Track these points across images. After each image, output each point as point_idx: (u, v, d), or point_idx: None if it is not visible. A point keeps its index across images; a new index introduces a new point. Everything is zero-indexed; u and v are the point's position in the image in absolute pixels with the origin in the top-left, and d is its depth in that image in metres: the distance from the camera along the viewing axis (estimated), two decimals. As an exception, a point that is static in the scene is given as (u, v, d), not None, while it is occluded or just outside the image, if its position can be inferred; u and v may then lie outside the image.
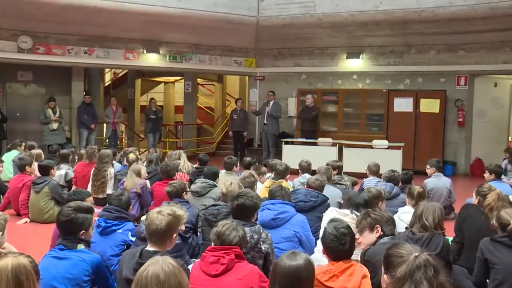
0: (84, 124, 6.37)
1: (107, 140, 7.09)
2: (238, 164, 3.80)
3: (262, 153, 7.00)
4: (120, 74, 9.51)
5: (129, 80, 8.93)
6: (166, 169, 3.31)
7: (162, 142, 8.03)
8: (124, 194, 2.38)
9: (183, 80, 8.53)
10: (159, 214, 1.54)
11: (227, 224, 1.60)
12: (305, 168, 3.66)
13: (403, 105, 6.34)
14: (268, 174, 3.55)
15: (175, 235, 1.54)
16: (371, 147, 5.87)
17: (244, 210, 1.88)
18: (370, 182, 3.41)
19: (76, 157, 4.34)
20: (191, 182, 3.37)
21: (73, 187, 3.67)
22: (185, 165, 3.84)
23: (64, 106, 6.45)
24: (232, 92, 9.85)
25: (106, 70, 8.65)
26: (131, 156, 3.94)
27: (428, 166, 3.68)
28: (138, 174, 3.34)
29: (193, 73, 8.07)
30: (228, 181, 2.66)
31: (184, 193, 2.58)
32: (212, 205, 2.43)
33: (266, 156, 6.87)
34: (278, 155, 6.39)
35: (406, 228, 1.97)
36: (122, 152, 4.61)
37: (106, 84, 8.88)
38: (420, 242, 1.78)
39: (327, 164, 3.56)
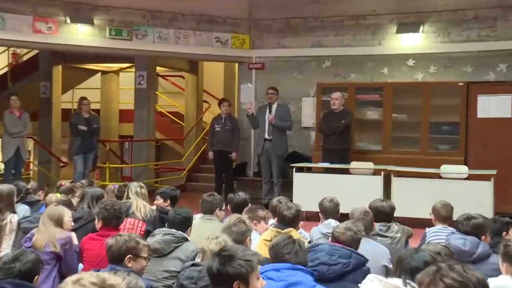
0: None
1: (4, 166, 7.02)
2: (224, 206, 3.88)
3: (261, 186, 7.17)
4: (26, 57, 9.41)
5: (41, 67, 8.71)
6: (107, 216, 3.18)
7: (98, 169, 8.20)
8: (26, 257, 2.33)
9: (133, 70, 8.61)
10: (77, 285, 1.48)
11: None
12: (330, 210, 3.65)
13: (493, 107, 6.35)
14: (271, 221, 3.58)
15: None
16: (439, 176, 5.82)
17: (216, 280, 1.96)
18: (438, 234, 3.35)
19: None
20: (148, 233, 3.32)
21: None
22: (140, 206, 3.76)
23: None
24: (213, 90, 10.12)
25: (0, 49, 8.49)
26: (54, 196, 3.82)
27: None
28: (58, 222, 3.14)
29: (150, 57, 8.23)
30: (208, 233, 2.68)
31: (129, 257, 2.52)
32: (192, 265, 2.48)
33: (268, 192, 7.04)
34: (287, 189, 6.54)
35: None
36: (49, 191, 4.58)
37: (0, 73, 8.83)
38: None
39: (367, 207, 3.52)
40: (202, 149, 9.26)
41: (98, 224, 3.28)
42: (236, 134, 7.58)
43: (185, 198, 6.44)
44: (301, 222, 3.46)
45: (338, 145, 6.69)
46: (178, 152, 9.75)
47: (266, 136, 7.13)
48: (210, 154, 7.58)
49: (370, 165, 6.36)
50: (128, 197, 3.95)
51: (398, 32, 7.19)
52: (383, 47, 7.35)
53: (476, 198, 5.27)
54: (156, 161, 9.22)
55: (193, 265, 2.48)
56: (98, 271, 2.09)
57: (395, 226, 3.48)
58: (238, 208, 3.75)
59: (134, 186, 3.98)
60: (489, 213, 4.81)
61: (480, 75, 6.79)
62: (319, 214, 3.74)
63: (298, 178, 6.34)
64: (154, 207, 3.97)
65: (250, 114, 7.30)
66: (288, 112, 7.29)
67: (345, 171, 6.40)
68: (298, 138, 7.77)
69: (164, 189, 4.28)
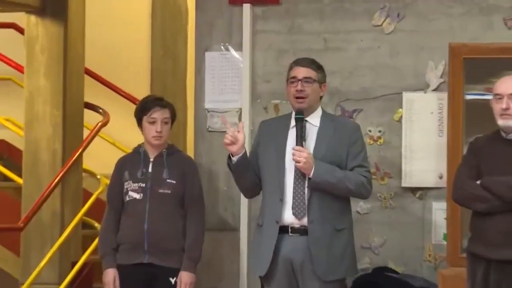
0: None
1: None
2: None
3: None
4: None
5: None
6: None
7: None
8: None
9: None
10: None
11: None
12: None
13: None
14: None
15: None
16: None
17: None
18: None
19: None
20: None
21: None
22: None
23: None
24: (120, 71, 11.58)
25: None
26: None
27: None
28: None
29: None
30: None
31: None
32: None
33: None
34: None
35: None
36: None
37: None
38: None
39: None
40: (84, 259, 9.50)
41: None
42: (195, 214, 7.66)
43: None
44: None
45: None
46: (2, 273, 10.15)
47: (287, 219, 7.05)
48: (109, 275, 7.69)
49: None
50: None
51: None
52: None
53: None
54: None
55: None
56: None
57: None
58: None
59: None
60: None
61: None
62: None
63: None
64: None
65: (239, 160, 7.34)
66: (357, 139, 7.24)
67: None
68: (393, 220, 7.99)
69: None
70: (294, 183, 7.06)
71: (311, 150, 7.02)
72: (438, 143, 7.96)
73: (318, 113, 7.20)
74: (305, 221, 6.98)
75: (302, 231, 7.02)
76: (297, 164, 6.89)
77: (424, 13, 8.15)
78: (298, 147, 6.89)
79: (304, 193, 7.02)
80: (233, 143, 7.06)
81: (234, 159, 7.15)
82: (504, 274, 6.68)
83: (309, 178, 6.94)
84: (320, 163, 6.97)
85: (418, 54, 8.12)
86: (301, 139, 6.97)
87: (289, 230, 7.04)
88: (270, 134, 7.33)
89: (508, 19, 7.95)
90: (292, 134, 7.12)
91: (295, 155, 6.87)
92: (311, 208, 7.00)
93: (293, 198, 7.06)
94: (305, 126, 7.09)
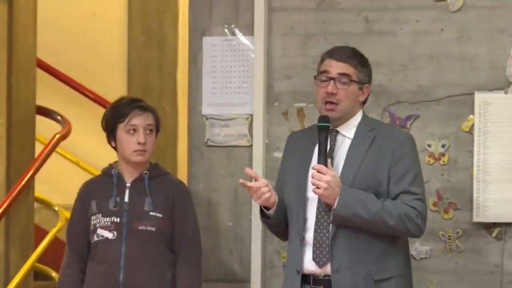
0: None
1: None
2: None
3: None
4: None
5: None
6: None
7: None
8: None
9: None
10: None
11: None
12: None
13: None
14: None
15: None
16: None
17: None
18: None
19: None
20: None
21: None
22: None
23: None
24: (84, 62, 12.36)
25: None
26: None
27: None
28: None
29: None
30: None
31: None
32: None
33: None
34: None
35: None
36: None
37: None
38: None
39: None
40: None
41: None
42: (189, 259, 7.66)
43: None
44: None
45: None
46: None
47: (307, 266, 6.99)
48: None
49: None
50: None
51: None
52: None
53: None
54: None
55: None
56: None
57: None
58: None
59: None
60: None
61: None
62: None
63: None
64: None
65: (276, 211, 7.26)
66: (404, 154, 7.12)
67: None
68: (461, 268, 8.09)
69: None
70: (317, 216, 6.91)
71: (339, 171, 6.90)
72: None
73: (355, 120, 7.07)
74: (328, 269, 6.85)
75: (326, 283, 6.89)
76: (316, 190, 6.72)
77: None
78: (319, 166, 6.73)
79: (327, 230, 6.90)
80: (266, 199, 6.95)
81: (271, 212, 7.04)
82: None
83: (333, 210, 6.78)
84: (347, 190, 6.82)
85: (496, 40, 8.12)
86: (324, 155, 6.82)
87: (311, 281, 6.94)
88: (294, 152, 7.27)
89: None
90: (315, 149, 7.04)
91: (313, 178, 6.71)
92: (335, 251, 6.85)
93: (314, 237, 6.92)
94: (335, 139, 7.01)
